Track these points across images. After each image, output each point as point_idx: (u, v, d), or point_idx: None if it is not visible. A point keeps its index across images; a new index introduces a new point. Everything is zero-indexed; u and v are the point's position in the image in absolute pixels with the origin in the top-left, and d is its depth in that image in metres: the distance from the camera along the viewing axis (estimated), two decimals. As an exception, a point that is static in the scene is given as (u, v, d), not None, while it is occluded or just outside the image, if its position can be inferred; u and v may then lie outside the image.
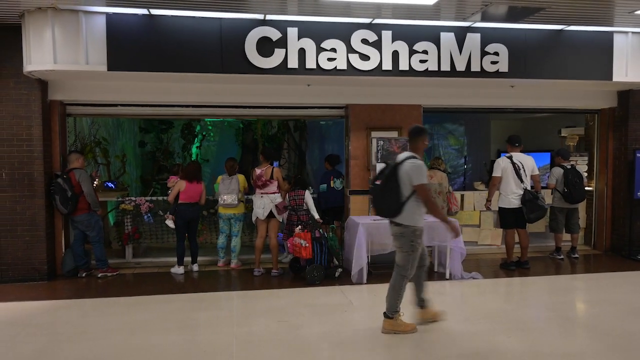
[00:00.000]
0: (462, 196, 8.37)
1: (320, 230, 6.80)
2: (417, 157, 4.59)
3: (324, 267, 6.60)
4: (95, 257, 6.97)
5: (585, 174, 8.24)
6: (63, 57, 5.95)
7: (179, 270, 7.09)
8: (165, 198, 7.53)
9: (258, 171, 6.97)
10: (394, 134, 7.56)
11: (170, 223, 7.09)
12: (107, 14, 5.95)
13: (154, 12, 5.96)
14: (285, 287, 6.49)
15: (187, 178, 7.13)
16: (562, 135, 10.01)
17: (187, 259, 7.24)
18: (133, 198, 7.80)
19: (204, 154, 12.63)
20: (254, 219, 7.09)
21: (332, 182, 7.91)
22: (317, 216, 7.03)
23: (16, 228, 6.61)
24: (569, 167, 7.63)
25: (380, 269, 6.95)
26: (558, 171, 7.66)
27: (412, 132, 4.76)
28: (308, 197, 7.00)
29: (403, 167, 4.52)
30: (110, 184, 8.38)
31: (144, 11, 5.93)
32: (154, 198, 7.87)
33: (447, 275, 6.72)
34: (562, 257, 7.79)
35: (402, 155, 4.65)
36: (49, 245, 6.81)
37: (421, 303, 4.92)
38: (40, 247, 6.68)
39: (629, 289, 6.36)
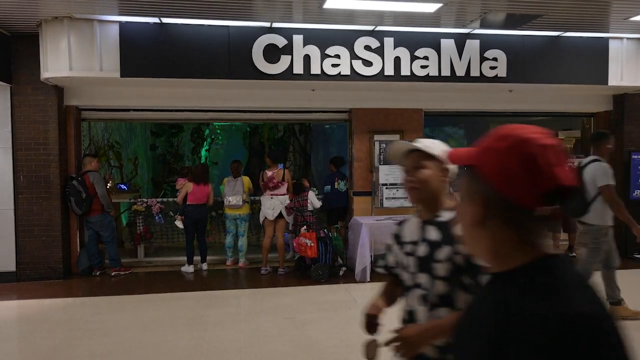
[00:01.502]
0: (463, 197, 8.54)
1: (325, 230, 6.98)
2: (602, 160, 4.85)
3: (329, 265, 6.79)
4: (108, 256, 7.18)
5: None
6: (78, 64, 6.16)
7: (188, 269, 7.30)
8: (175, 199, 7.73)
9: (269, 173, 7.14)
10: (396, 137, 7.74)
11: (179, 223, 7.30)
12: (120, 22, 6.16)
13: (165, 20, 6.18)
14: (291, 285, 6.67)
15: (194, 180, 7.33)
16: (559, 138, 10.17)
17: (197, 258, 7.45)
18: (144, 199, 7.99)
19: (212, 156, 12.83)
20: (261, 219, 7.26)
21: (336, 183, 8.07)
22: (318, 204, 7.18)
23: (33, 228, 6.83)
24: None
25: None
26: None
27: (595, 137, 5.08)
28: (311, 195, 7.20)
29: (587, 169, 4.82)
30: (122, 186, 8.59)
31: (155, 20, 6.15)
32: (164, 199, 8.06)
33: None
34: (560, 256, 7.96)
35: (586, 159, 4.96)
36: (65, 245, 7.02)
37: (612, 300, 5.10)
38: (56, 246, 6.90)
39: (626, 286, 6.48)
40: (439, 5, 5.68)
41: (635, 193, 7.94)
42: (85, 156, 7.24)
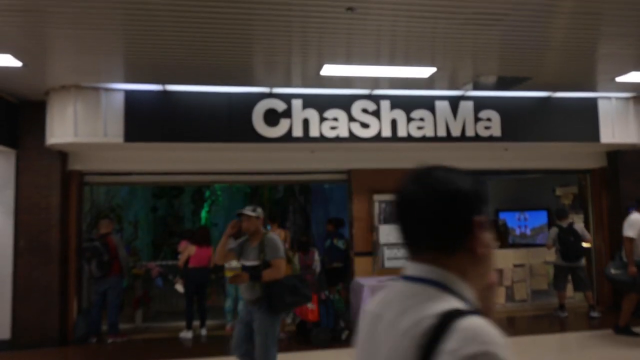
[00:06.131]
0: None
1: (326, 292, 6.89)
2: None
3: (331, 329, 6.64)
4: (108, 321, 6.99)
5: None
6: (83, 130, 6.30)
7: (187, 334, 7.13)
8: (175, 262, 7.66)
9: None
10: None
11: (179, 287, 7.20)
12: (125, 90, 6.37)
13: (169, 87, 6.40)
14: (292, 350, 6.48)
15: (197, 242, 7.31)
16: (557, 194, 10.23)
17: (196, 322, 7.29)
18: (144, 263, 7.94)
19: (212, 217, 12.84)
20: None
21: (335, 240, 8.01)
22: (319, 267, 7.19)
23: (31, 294, 6.72)
24: (565, 226, 7.81)
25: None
26: (553, 231, 7.86)
27: None
28: (317, 255, 7.19)
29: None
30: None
31: (159, 87, 6.38)
32: (164, 262, 8.01)
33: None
34: (566, 314, 7.81)
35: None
36: (62, 310, 6.89)
37: None
38: (53, 312, 6.76)
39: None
40: (432, 70, 5.91)
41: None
42: (104, 219, 7.28)
